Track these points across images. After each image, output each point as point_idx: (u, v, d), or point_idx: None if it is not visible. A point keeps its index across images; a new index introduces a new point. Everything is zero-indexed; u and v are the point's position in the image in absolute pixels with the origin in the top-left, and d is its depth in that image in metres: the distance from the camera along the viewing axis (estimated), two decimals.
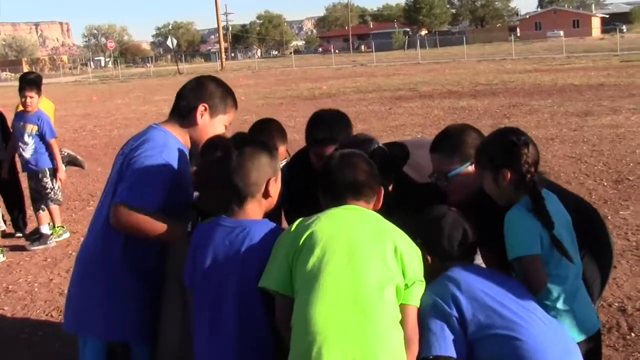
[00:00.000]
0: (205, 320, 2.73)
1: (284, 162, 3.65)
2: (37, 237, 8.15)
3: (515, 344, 2.51)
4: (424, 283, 2.62)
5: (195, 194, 3.37)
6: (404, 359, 2.44)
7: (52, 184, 8.04)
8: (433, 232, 2.80)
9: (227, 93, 3.38)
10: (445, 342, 2.57)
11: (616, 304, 5.20)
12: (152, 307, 3.19)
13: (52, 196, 8.04)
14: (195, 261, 2.77)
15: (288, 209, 3.86)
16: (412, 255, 2.59)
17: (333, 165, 2.80)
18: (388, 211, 2.82)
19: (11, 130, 8.26)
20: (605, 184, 9.07)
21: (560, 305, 2.79)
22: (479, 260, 3.08)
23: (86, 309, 3.24)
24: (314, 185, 2.86)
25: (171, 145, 3.15)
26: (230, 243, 2.69)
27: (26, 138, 7.90)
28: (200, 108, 3.25)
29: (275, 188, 2.82)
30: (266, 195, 2.78)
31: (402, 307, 2.52)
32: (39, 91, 7.97)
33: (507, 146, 2.88)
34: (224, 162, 2.77)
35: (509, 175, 2.85)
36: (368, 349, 2.35)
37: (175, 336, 3.06)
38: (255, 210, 2.78)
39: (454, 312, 2.58)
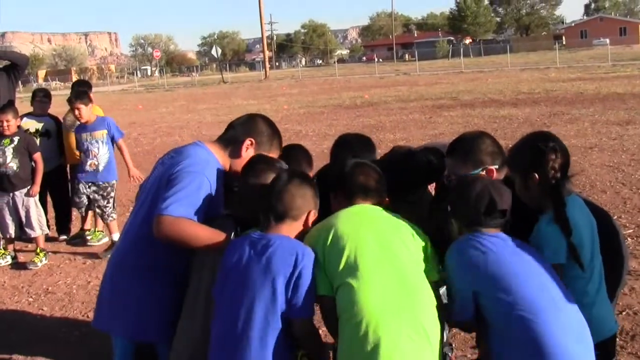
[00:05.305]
0: (225, 329, 2.82)
1: None
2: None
3: (529, 326, 2.61)
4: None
5: None
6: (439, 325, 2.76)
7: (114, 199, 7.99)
8: (460, 199, 2.90)
9: (275, 134, 3.53)
10: (460, 308, 2.79)
11: None
12: (178, 310, 3.31)
13: (110, 211, 7.95)
14: (224, 272, 2.91)
15: None
16: (425, 238, 2.94)
17: (347, 169, 3.11)
18: (433, 209, 3.15)
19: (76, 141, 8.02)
20: None
21: (583, 302, 2.86)
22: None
23: (119, 311, 3.42)
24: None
25: (212, 163, 3.29)
26: (255, 254, 2.83)
27: (97, 147, 7.73)
28: (247, 142, 3.40)
29: (313, 220, 3.01)
30: (305, 223, 2.97)
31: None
32: (88, 100, 7.81)
33: (534, 151, 2.99)
34: (271, 184, 2.98)
35: (536, 178, 2.95)
36: (417, 323, 2.66)
37: (189, 340, 3.18)
38: (288, 232, 2.92)
39: (472, 284, 2.72)
